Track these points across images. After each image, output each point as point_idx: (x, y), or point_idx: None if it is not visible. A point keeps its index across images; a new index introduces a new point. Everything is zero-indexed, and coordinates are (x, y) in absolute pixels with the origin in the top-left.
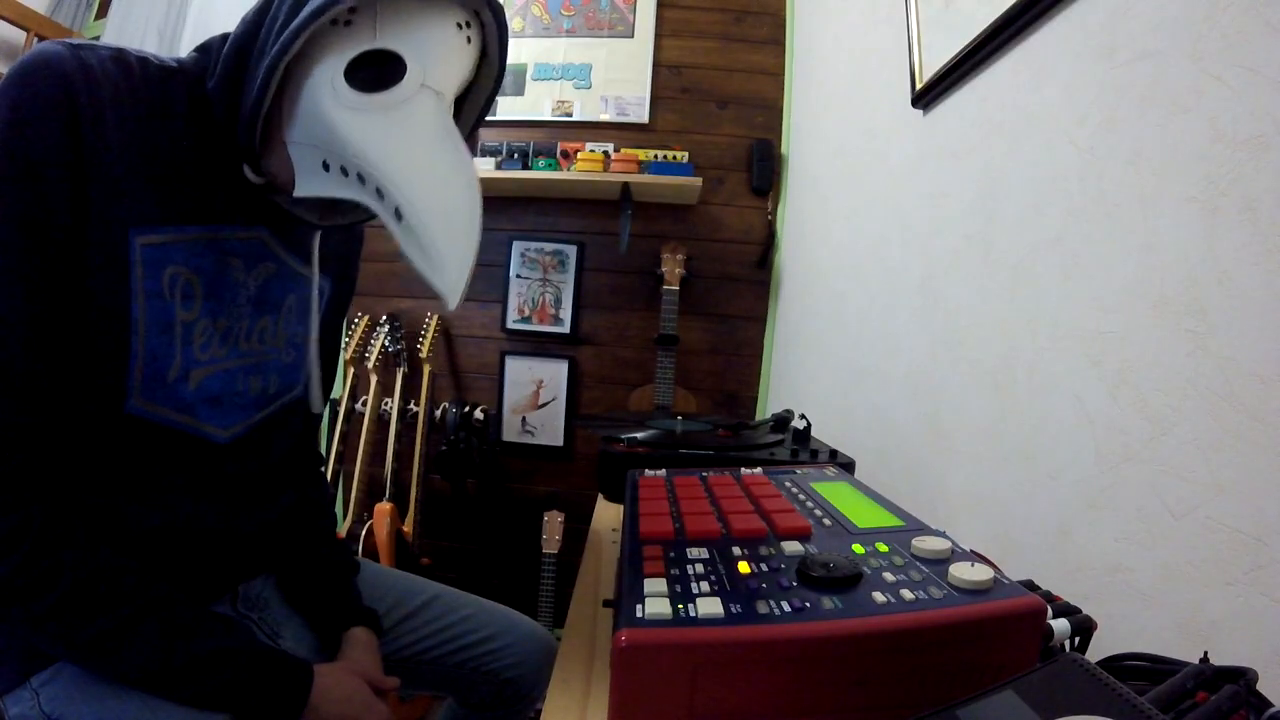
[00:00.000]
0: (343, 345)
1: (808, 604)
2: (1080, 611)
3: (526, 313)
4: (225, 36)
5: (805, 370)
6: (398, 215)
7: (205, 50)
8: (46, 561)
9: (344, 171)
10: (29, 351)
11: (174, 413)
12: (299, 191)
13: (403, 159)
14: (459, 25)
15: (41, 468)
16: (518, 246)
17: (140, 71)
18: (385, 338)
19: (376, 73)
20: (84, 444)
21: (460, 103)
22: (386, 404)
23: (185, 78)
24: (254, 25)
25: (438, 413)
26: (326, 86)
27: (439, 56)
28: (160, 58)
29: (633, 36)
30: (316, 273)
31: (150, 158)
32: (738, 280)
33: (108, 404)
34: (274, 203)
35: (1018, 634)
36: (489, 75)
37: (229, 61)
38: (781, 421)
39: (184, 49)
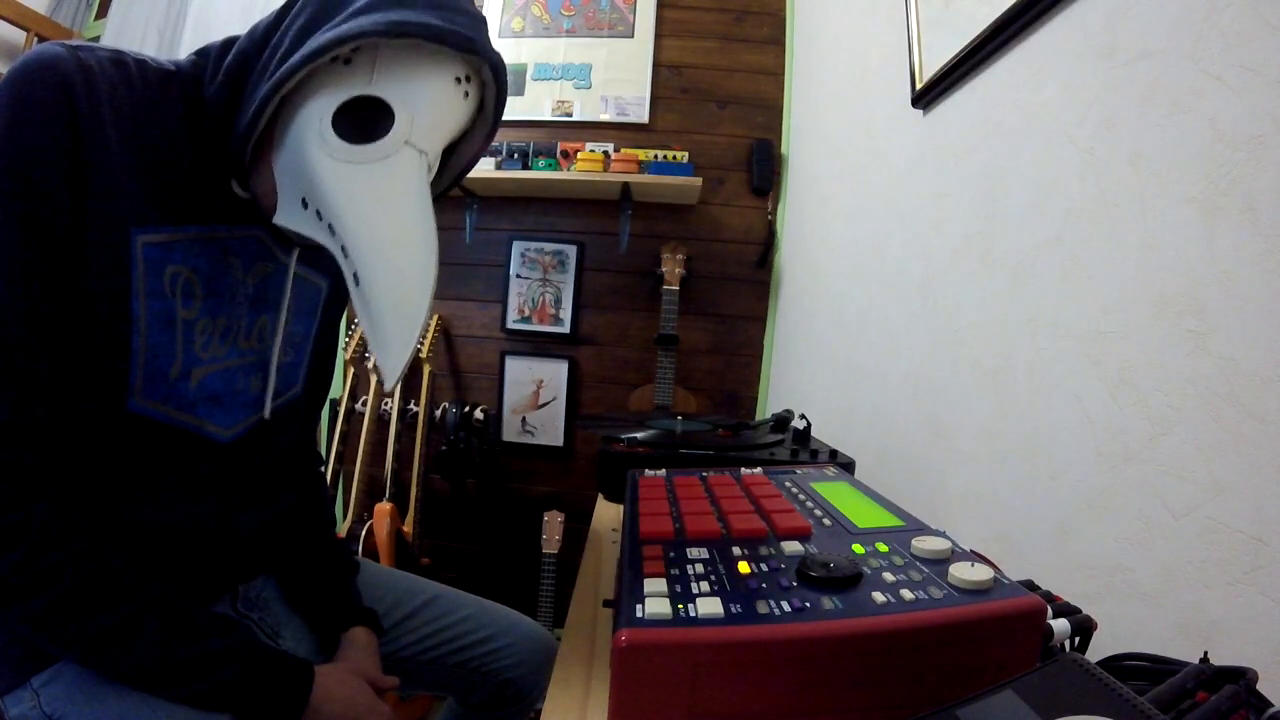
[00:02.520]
0: (343, 345)
1: (808, 604)
2: (1080, 611)
3: (526, 313)
4: (227, 43)
5: (805, 370)
6: (355, 280)
7: (204, 55)
8: (47, 559)
9: (318, 216)
10: (30, 349)
11: (176, 411)
12: (278, 219)
13: (368, 225)
14: (458, 80)
15: (43, 466)
16: (518, 246)
17: (138, 73)
18: None
19: (366, 119)
20: (86, 442)
21: (450, 149)
22: (386, 404)
23: (183, 81)
24: (261, 42)
25: (438, 413)
26: (314, 128)
27: (430, 111)
28: (158, 60)
29: (633, 36)
30: (294, 266)
31: (148, 158)
32: (738, 280)
33: (110, 402)
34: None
35: (1018, 634)
36: (482, 129)
37: (230, 73)
38: (781, 421)
39: (184, 49)
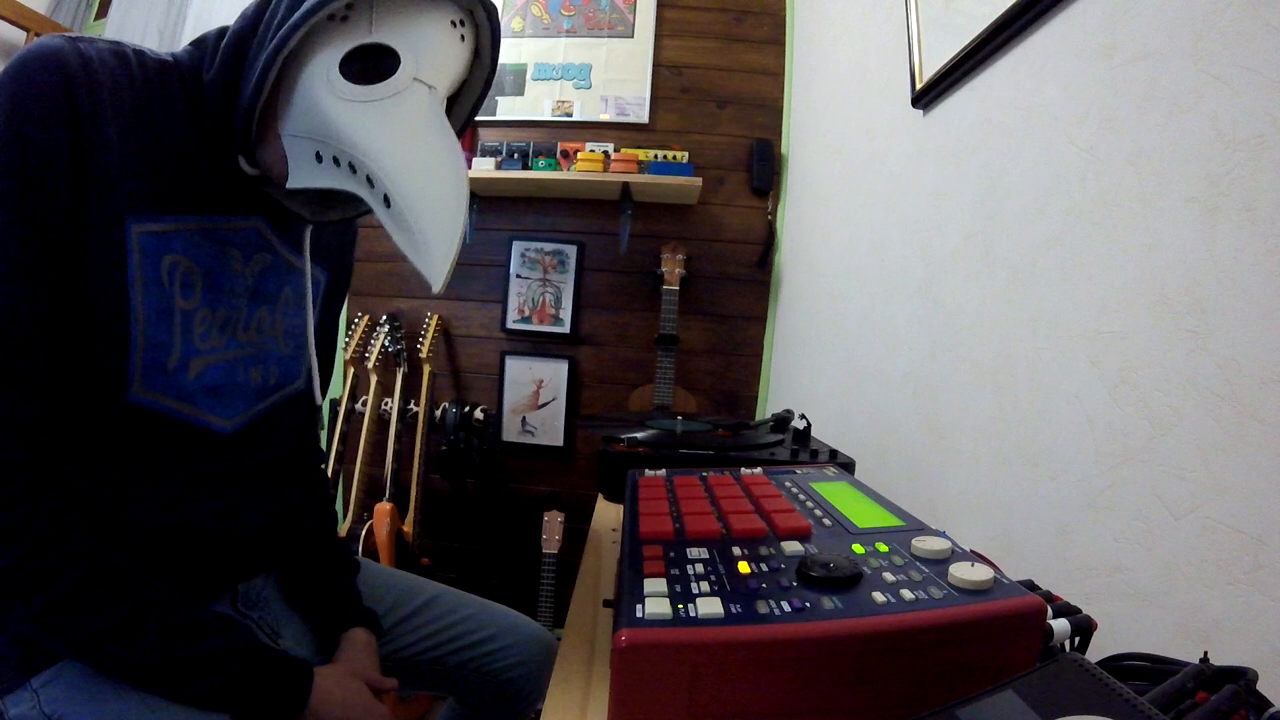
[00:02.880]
0: (343, 345)
1: (808, 604)
2: (1080, 611)
3: (526, 313)
4: (221, 31)
5: (805, 370)
6: (386, 202)
7: (201, 44)
8: (48, 557)
9: (335, 162)
10: (31, 342)
11: (175, 402)
12: (292, 183)
13: (393, 148)
14: (453, 23)
15: (43, 464)
16: (518, 246)
17: (138, 64)
18: (385, 338)
19: (371, 66)
20: (87, 437)
21: (452, 102)
22: (386, 404)
23: (181, 71)
24: (253, 21)
25: (438, 413)
26: (322, 78)
27: (432, 52)
28: (156, 52)
29: (633, 36)
30: (309, 264)
31: (148, 149)
32: (738, 280)
33: (109, 394)
34: (269, 194)
35: (1018, 634)
36: (480, 75)
37: (227, 55)
38: (781, 421)
39: None
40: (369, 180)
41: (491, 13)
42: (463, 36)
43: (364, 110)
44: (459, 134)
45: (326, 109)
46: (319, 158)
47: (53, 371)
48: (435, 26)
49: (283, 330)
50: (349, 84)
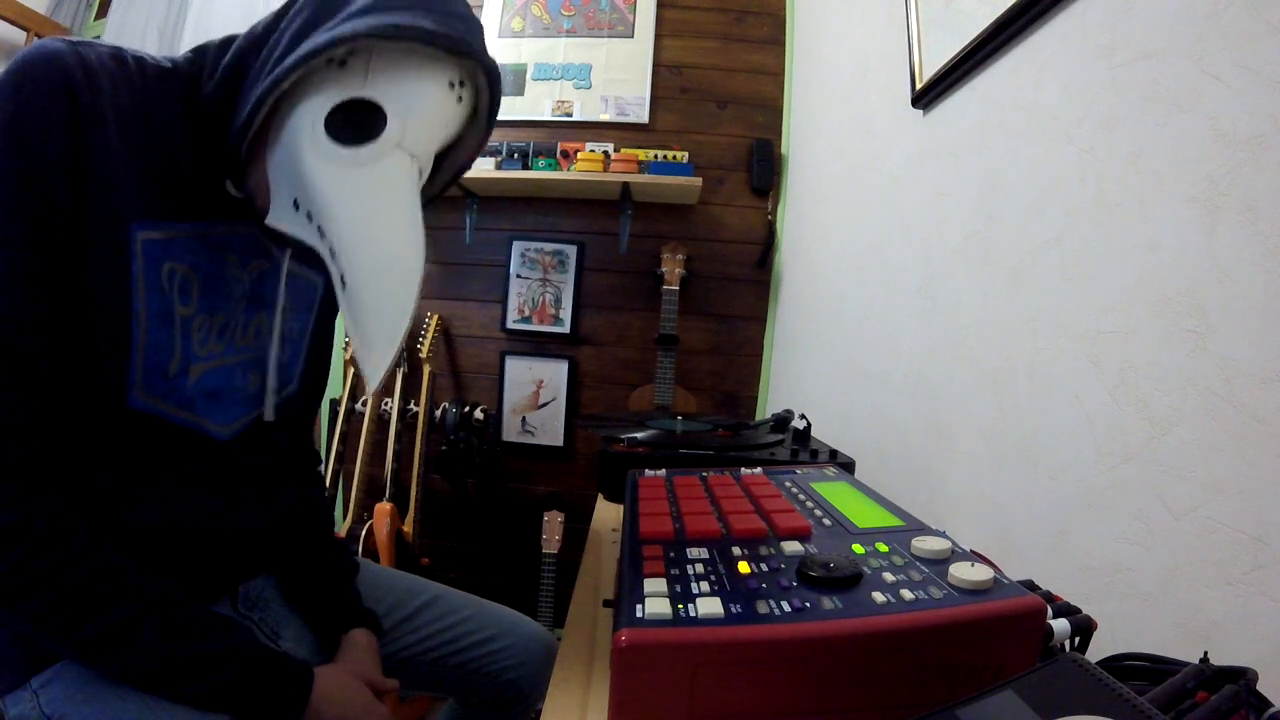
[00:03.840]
0: (342, 345)
1: (808, 604)
2: (1080, 611)
3: (526, 313)
4: (225, 42)
5: (805, 370)
6: (343, 282)
7: (201, 53)
8: (48, 558)
9: (309, 217)
10: (31, 347)
11: (175, 408)
12: (269, 220)
13: (356, 229)
14: (451, 85)
15: (43, 465)
16: (518, 246)
17: (137, 70)
18: None
19: (357, 123)
20: (87, 441)
21: (443, 154)
22: (386, 404)
23: (180, 78)
24: (259, 42)
25: (438, 413)
26: (307, 128)
27: (422, 115)
28: (155, 58)
29: (633, 36)
30: (289, 263)
31: (147, 154)
32: (738, 280)
33: (110, 398)
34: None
35: (1018, 634)
36: (476, 135)
37: (227, 73)
38: (781, 421)
39: (184, 49)
40: (331, 252)
41: (493, 77)
42: (460, 98)
43: (340, 175)
44: (445, 189)
45: (306, 164)
46: (296, 205)
47: (53, 374)
48: (431, 87)
49: (280, 335)
50: (331, 143)
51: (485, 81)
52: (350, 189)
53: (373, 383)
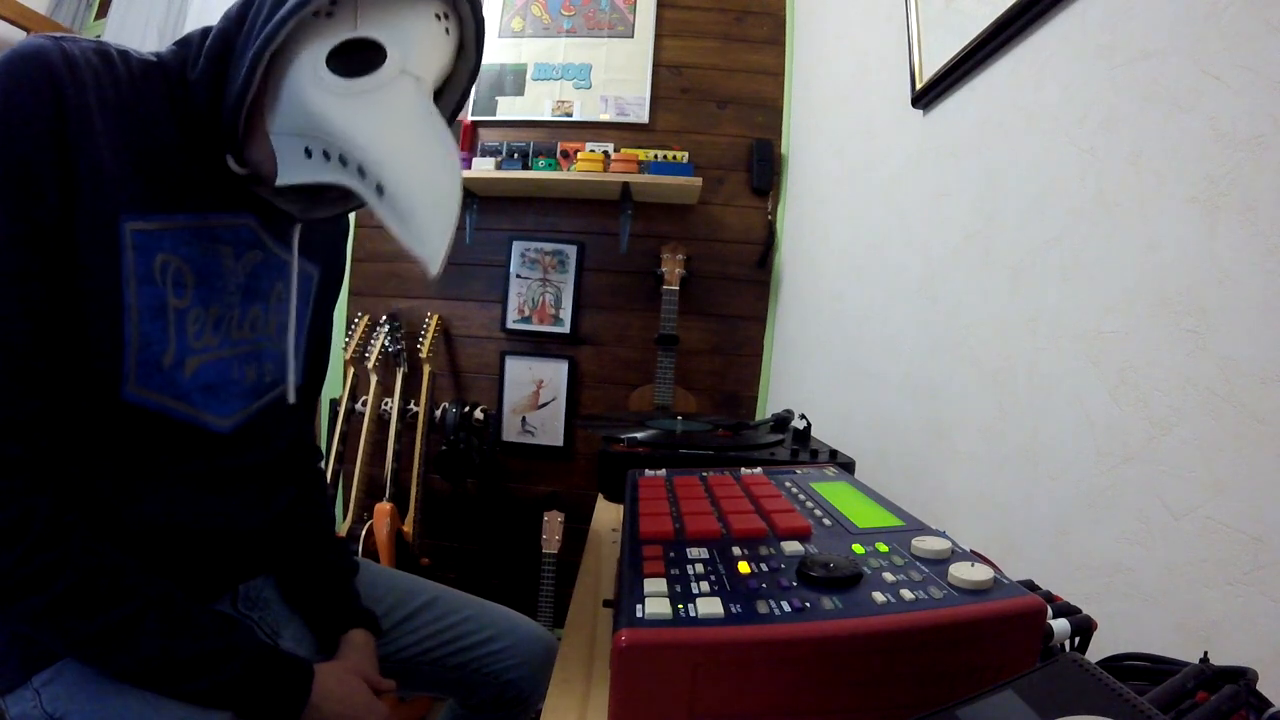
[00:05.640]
0: (342, 345)
1: (808, 604)
2: (1080, 611)
3: (526, 313)
4: (205, 31)
5: (805, 370)
6: (379, 191)
7: (185, 44)
8: (48, 557)
9: (325, 156)
10: (26, 341)
11: (171, 400)
12: (281, 180)
13: (384, 136)
14: (437, 16)
15: (42, 462)
16: (518, 246)
17: (122, 64)
18: (385, 338)
19: (358, 60)
20: (85, 436)
21: (437, 96)
22: (386, 404)
23: (166, 70)
24: (238, 19)
25: (438, 413)
26: (309, 73)
27: (418, 44)
28: (140, 52)
29: (633, 36)
30: (296, 258)
31: (136, 147)
32: (738, 280)
33: (105, 391)
34: (258, 193)
35: (1018, 634)
36: (465, 68)
37: (213, 53)
38: (781, 421)
39: None
40: (360, 170)
41: (475, 6)
42: (447, 30)
43: (353, 103)
44: (448, 121)
45: (315, 103)
46: (308, 153)
47: (49, 370)
48: (420, 20)
49: (276, 327)
50: (337, 77)
51: (469, 11)
52: (370, 110)
53: (434, 265)
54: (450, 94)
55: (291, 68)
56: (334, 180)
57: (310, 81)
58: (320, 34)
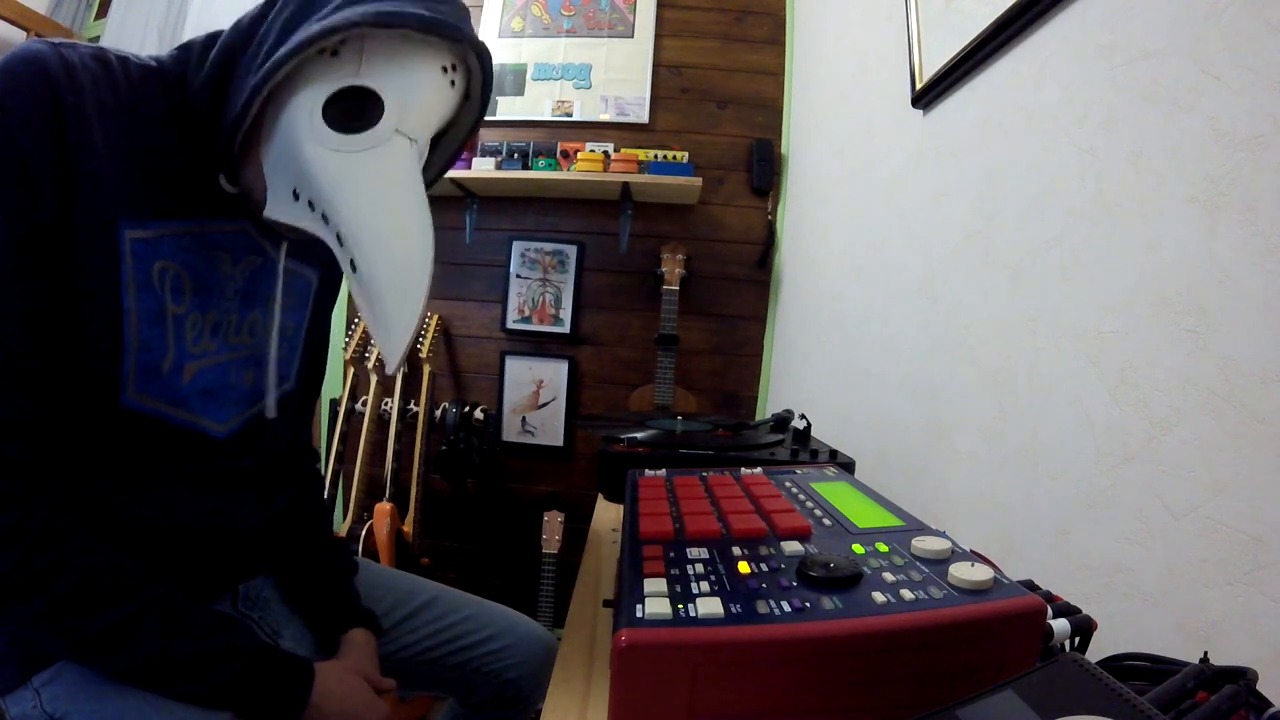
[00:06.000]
0: (342, 345)
1: (808, 604)
2: (1080, 611)
3: (526, 313)
4: (210, 38)
5: (805, 370)
6: (353, 266)
7: (187, 49)
8: (47, 558)
9: (310, 206)
10: (24, 347)
11: (169, 406)
12: (268, 213)
13: (364, 211)
14: (444, 69)
15: (41, 464)
16: (518, 246)
17: (121, 70)
18: None
19: (355, 108)
20: (83, 440)
21: (439, 137)
22: (386, 404)
23: (165, 76)
24: (247, 34)
25: (438, 413)
26: (304, 118)
27: (419, 100)
28: (140, 57)
29: (633, 36)
30: (283, 262)
31: (133, 153)
32: (738, 280)
33: (103, 397)
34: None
35: (1018, 634)
36: (469, 116)
37: (216, 68)
38: (781, 421)
39: None
40: (339, 238)
41: (485, 59)
42: (453, 82)
43: (342, 161)
44: (441, 173)
45: (305, 153)
46: (295, 195)
47: (48, 373)
48: (425, 72)
49: (276, 332)
50: (329, 130)
51: (477, 63)
52: (354, 174)
53: (393, 362)
54: (449, 142)
55: (290, 105)
56: (315, 233)
57: (303, 127)
58: (322, 74)
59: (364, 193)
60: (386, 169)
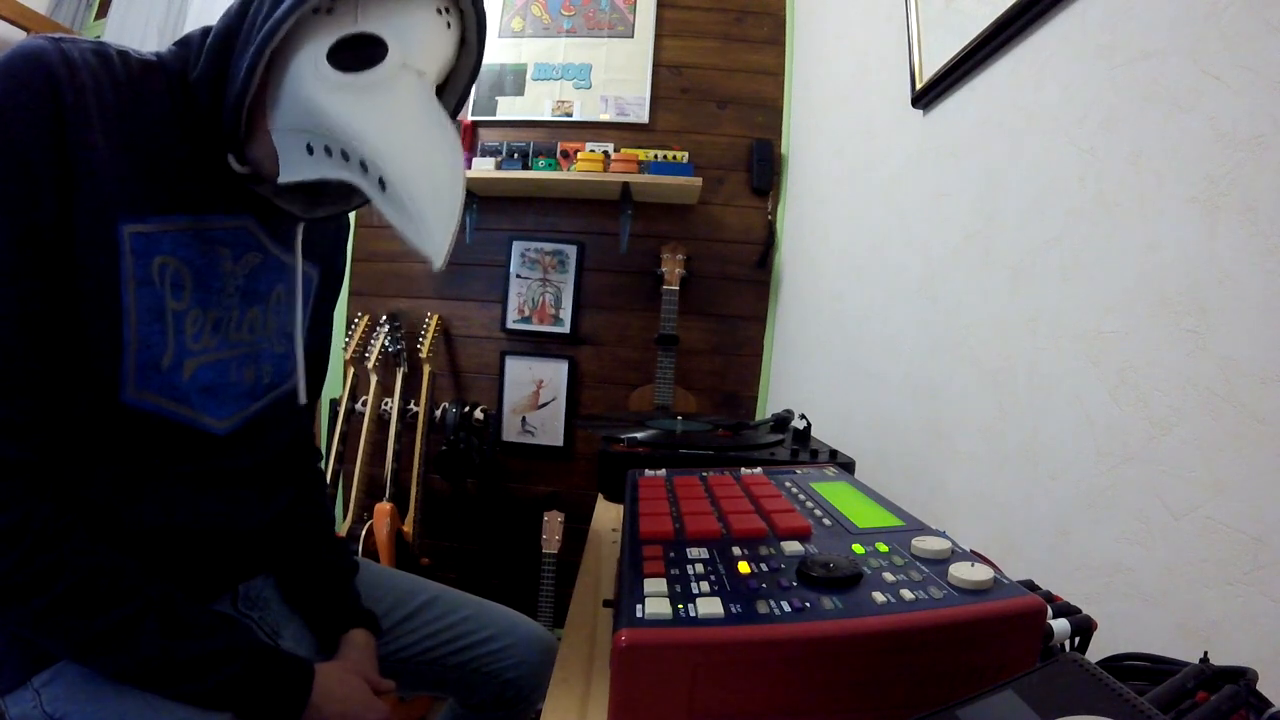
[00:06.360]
0: (342, 345)
1: (808, 604)
2: (1080, 611)
3: (526, 313)
4: (205, 31)
5: (805, 370)
6: (381, 185)
7: (185, 44)
8: (47, 559)
9: (328, 152)
10: (22, 345)
11: (169, 402)
12: (283, 178)
13: (386, 130)
14: (439, 10)
15: (40, 464)
16: (518, 246)
17: (121, 65)
18: (385, 338)
19: (359, 55)
20: (83, 438)
21: (440, 91)
22: (386, 404)
23: (165, 70)
24: (238, 18)
25: (438, 413)
26: (310, 69)
27: (420, 39)
28: (140, 52)
29: (633, 36)
30: (300, 261)
31: (134, 148)
32: (738, 280)
33: (103, 394)
34: (258, 193)
35: (1018, 634)
36: (468, 62)
37: (213, 52)
38: (781, 421)
39: None
40: (363, 165)
41: (477, 1)
42: (449, 24)
43: (355, 98)
44: (451, 118)
45: (316, 99)
46: (310, 150)
47: (48, 372)
48: (421, 14)
49: (275, 329)
50: (338, 73)
51: (470, 4)
52: (371, 105)
53: (438, 259)
54: (452, 90)
55: (292, 64)
56: (336, 176)
57: (311, 77)
58: (321, 30)
59: (384, 117)
60: (403, 96)
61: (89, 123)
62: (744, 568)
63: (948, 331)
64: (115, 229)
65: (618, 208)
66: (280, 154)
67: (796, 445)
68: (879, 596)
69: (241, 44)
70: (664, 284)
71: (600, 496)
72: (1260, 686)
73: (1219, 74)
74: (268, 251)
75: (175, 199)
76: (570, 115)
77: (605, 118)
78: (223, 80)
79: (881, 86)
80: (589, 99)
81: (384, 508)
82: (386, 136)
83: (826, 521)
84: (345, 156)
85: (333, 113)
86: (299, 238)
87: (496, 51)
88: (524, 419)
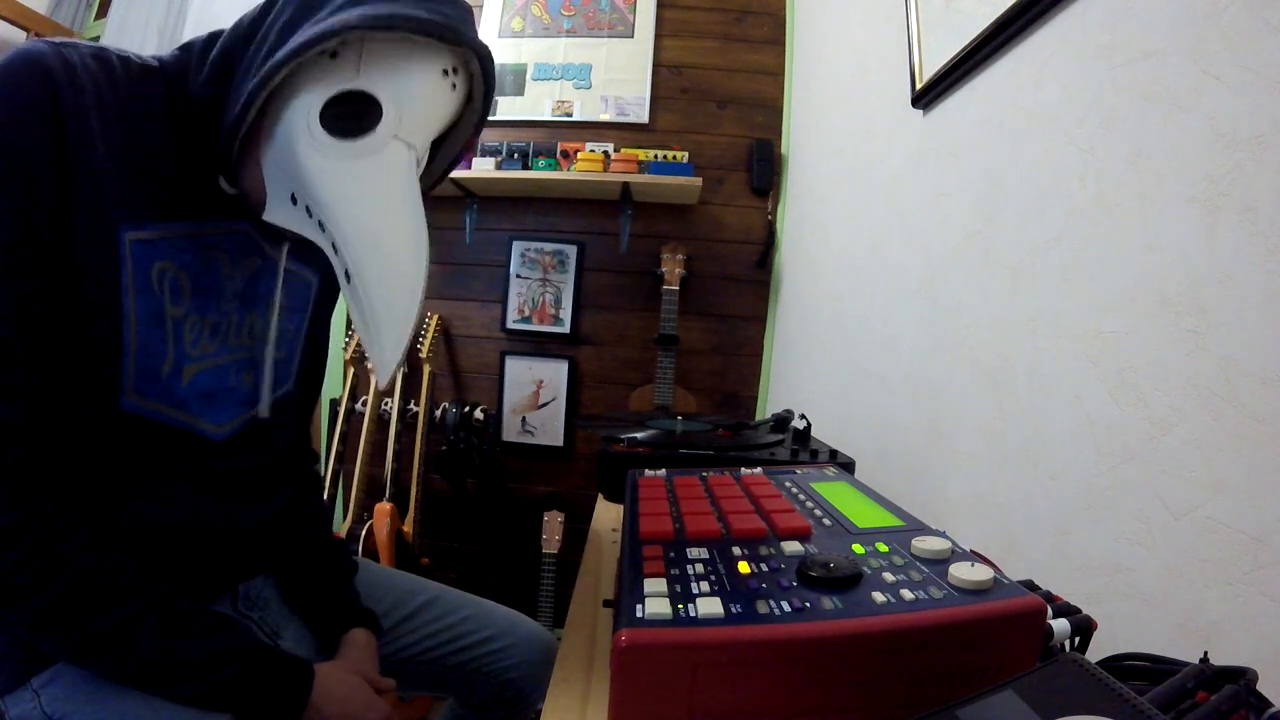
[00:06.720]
0: (342, 345)
1: (808, 604)
2: (1080, 611)
3: (526, 313)
4: (211, 38)
5: (805, 370)
6: (347, 276)
7: (187, 49)
8: (46, 560)
9: (308, 212)
10: (24, 348)
11: (168, 408)
12: (267, 216)
13: (358, 220)
14: (445, 72)
15: (40, 465)
16: (518, 246)
17: (122, 69)
18: None
19: (354, 112)
20: (82, 442)
21: (440, 141)
22: (386, 404)
23: (166, 76)
24: (246, 36)
25: (438, 413)
26: (302, 123)
27: (418, 104)
28: (141, 56)
29: (633, 36)
30: (283, 264)
31: (134, 154)
32: (738, 280)
33: (102, 400)
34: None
35: (1018, 634)
36: (471, 119)
37: (216, 68)
38: (781, 421)
39: None
40: (334, 246)
41: (486, 62)
42: (454, 85)
43: (338, 169)
44: (442, 177)
45: (303, 158)
46: (294, 200)
47: (47, 376)
48: (426, 76)
49: (274, 334)
50: (327, 136)
51: (479, 67)
52: (350, 182)
53: (383, 377)
54: (452, 141)
55: (287, 110)
56: (312, 239)
57: (301, 133)
58: (321, 77)
59: (359, 202)
60: (383, 177)
61: (89, 127)
62: (744, 568)
63: (948, 331)
64: (116, 234)
65: (618, 208)
66: (268, 190)
67: (796, 445)
68: (879, 596)
69: (244, 70)
70: (664, 284)
71: (600, 496)
72: (1260, 686)
73: (1219, 74)
74: (267, 256)
75: (174, 205)
76: (570, 115)
77: (605, 118)
78: (221, 99)
79: (881, 86)
80: (589, 99)
81: (384, 508)
82: (357, 228)
83: (826, 521)
84: (321, 227)
85: (315, 178)
86: (285, 246)
87: (497, 52)
88: (524, 419)
